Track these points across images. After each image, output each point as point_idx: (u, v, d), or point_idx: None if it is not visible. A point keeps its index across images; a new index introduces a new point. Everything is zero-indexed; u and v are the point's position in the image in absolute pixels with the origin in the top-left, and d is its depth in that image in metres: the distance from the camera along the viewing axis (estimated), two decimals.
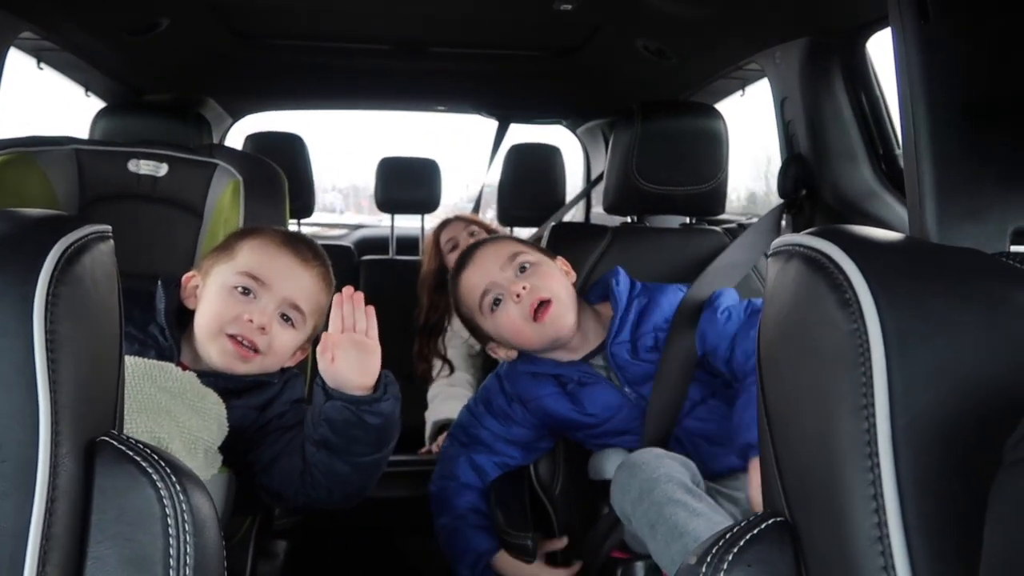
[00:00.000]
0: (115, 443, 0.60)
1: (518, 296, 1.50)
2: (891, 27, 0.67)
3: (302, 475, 1.30)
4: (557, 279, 1.55)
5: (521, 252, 1.55)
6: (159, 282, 1.39)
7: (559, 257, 1.62)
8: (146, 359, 1.24)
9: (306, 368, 1.62)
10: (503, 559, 1.52)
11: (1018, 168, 0.63)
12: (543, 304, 1.50)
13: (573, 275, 1.61)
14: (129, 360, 1.18)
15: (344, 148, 3.02)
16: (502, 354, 1.60)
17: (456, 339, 2.44)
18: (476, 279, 1.55)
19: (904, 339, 0.50)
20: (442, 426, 2.19)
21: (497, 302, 1.53)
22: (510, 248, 1.56)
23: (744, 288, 1.80)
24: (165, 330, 1.34)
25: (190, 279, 1.40)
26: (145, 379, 1.15)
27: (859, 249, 0.55)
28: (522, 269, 1.53)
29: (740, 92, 2.34)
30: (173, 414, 1.14)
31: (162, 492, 0.58)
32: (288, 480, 1.31)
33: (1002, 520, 0.44)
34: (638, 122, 1.76)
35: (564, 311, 1.51)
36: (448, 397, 2.29)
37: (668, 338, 1.53)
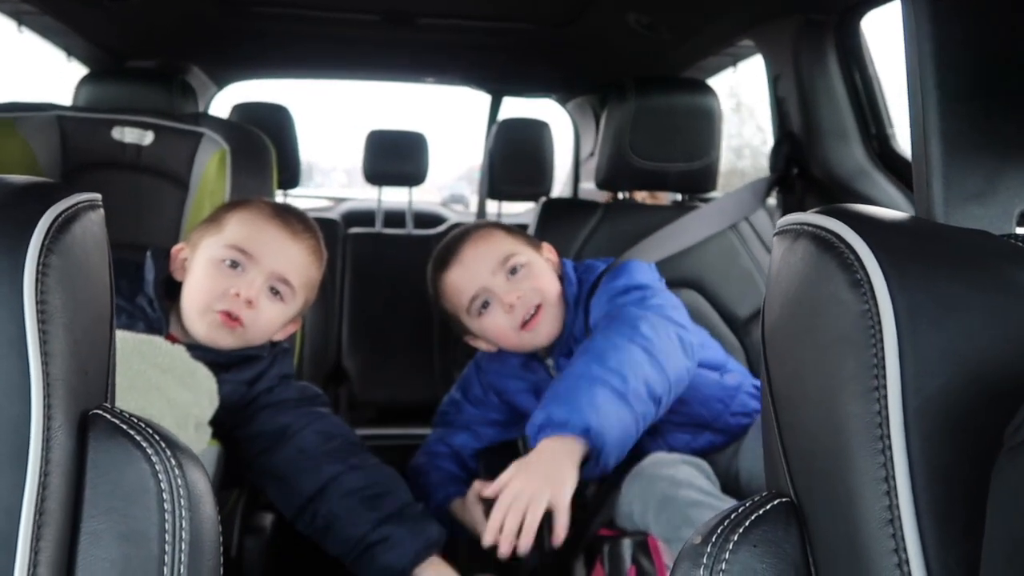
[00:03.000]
0: (108, 416, 0.59)
1: (511, 306, 1.46)
2: (901, 1, 0.66)
3: (310, 501, 1.29)
4: (547, 280, 1.51)
5: (513, 254, 1.50)
6: (148, 253, 1.37)
7: (544, 244, 1.59)
8: (135, 333, 1.22)
9: (295, 342, 1.61)
10: (458, 504, 1.50)
11: None
12: (535, 311, 1.48)
13: (557, 261, 1.58)
14: (118, 335, 1.17)
15: (350, 129, 3.00)
16: (483, 346, 1.58)
17: None
18: (465, 282, 1.51)
19: (916, 321, 0.50)
20: None
21: (486, 305, 1.50)
22: (502, 249, 1.51)
23: (733, 266, 1.80)
24: (154, 301, 1.32)
25: (179, 251, 1.38)
26: (134, 354, 1.14)
27: (870, 229, 0.54)
28: (512, 271, 1.49)
29: (732, 68, 2.33)
30: (163, 390, 1.12)
31: (157, 467, 0.57)
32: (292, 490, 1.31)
33: (1001, 503, 0.44)
34: (632, 97, 1.74)
35: (552, 318, 1.50)
36: None
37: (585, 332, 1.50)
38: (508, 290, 1.47)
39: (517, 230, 1.60)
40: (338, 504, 1.27)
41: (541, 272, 1.52)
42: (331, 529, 1.27)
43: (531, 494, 1.20)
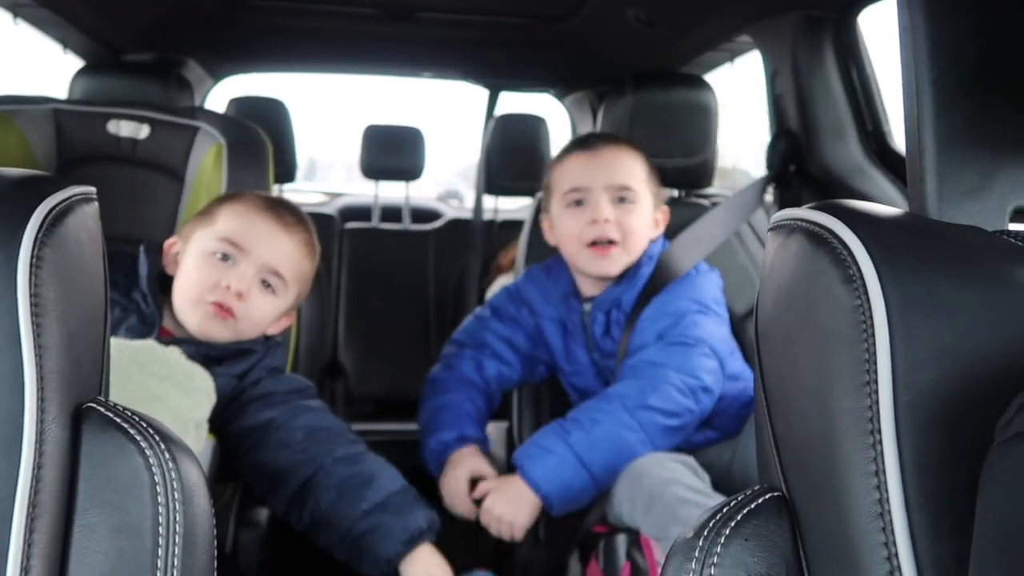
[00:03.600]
0: (102, 409, 0.59)
1: (595, 222, 1.48)
2: None
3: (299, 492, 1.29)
4: (640, 229, 1.52)
5: (634, 190, 1.51)
6: (141, 248, 1.37)
7: (665, 208, 1.59)
8: (130, 341, 1.21)
9: (289, 337, 1.60)
10: (464, 454, 1.51)
11: (1019, 146, 0.63)
12: (609, 243, 1.50)
13: (661, 229, 1.58)
14: (114, 343, 1.16)
15: (350, 125, 3.00)
16: (548, 235, 1.60)
17: None
18: (580, 173, 1.52)
19: (908, 316, 0.50)
20: None
21: (578, 203, 1.51)
22: (629, 178, 1.51)
23: (730, 263, 1.80)
24: (147, 296, 1.32)
25: (172, 245, 1.38)
26: (132, 365, 1.13)
27: (863, 224, 0.54)
28: (621, 199, 1.50)
29: (729, 63, 2.33)
30: (165, 400, 1.12)
31: (151, 460, 0.57)
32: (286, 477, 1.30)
33: (991, 497, 0.44)
34: (630, 92, 1.74)
35: (616, 262, 1.51)
36: None
37: (629, 318, 1.52)
38: (606, 207, 1.49)
39: (656, 174, 1.60)
40: (323, 498, 1.26)
41: (641, 220, 1.53)
42: (318, 523, 1.26)
43: (508, 519, 1.41)
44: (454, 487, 1.48)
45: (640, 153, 1.58)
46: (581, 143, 1.57)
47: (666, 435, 1.40)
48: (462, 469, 1.49)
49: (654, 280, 1.54)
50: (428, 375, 1.65)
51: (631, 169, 1.53)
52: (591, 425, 1.37)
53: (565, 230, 1.54)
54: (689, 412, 1.42)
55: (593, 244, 1.50)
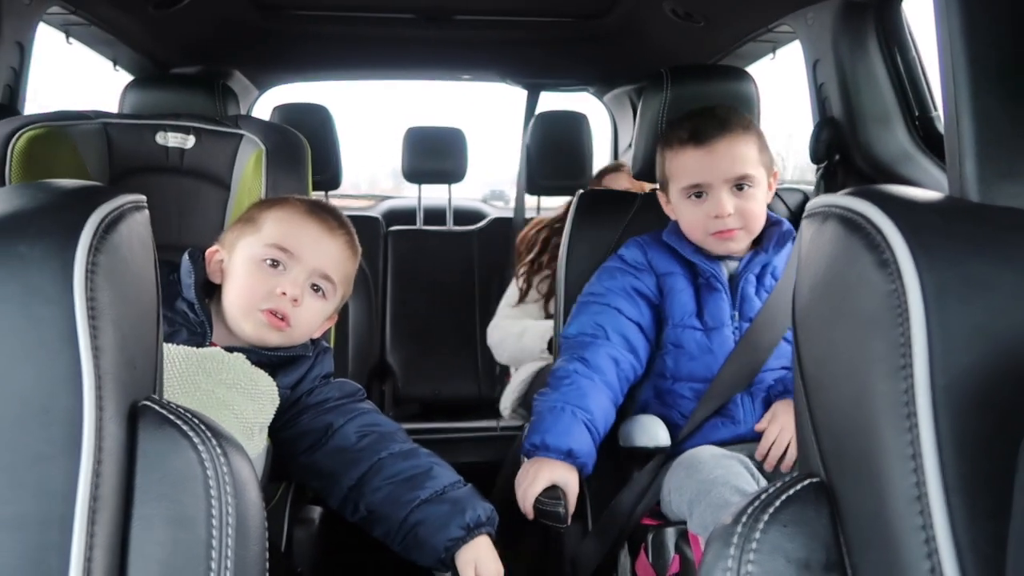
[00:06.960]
0: (156, 407, 0.61)
1: (717, 216, 1.49)
2: None
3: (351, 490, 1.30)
4: (760, 207, 1.52)
5: (752, 176, 1.50)
6: (186, 255, 1.37)
7: (775, 172, 1.57)
8: (197, 350, 1.22)
9: (329, 339, 1.63)
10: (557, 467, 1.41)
11: None
12: (730, 230, 1.50)
13: (772, 192, 1.57)
14: (180, 351, 1.18)
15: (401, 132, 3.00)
16: (668, 210, 1.60)
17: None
18: (698, 169, 1.50)
19: (943, 299, 0.50)
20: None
21: (699, 195, 1.51)
22: (746, 166, 1.49)
23: None
24: (195, 305, 1.32)
25: (214, 253, 1.38)
26: (199, 372, 1.15)
27: (897, 209, 0.54)
28: (740, 187, 1.50)
29: (771, 55, 2.30)
30: (232, 406, 1.14)
31: (203, 455, 0.60)
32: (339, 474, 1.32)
33: None
34: (667, 87, 1.74)
35: (742, 240, 1.52)
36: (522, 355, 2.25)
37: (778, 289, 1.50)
38: (727, 201, 1.49)
39: (765, 143, 1.57)
40: (377, 492, 1.27)
41: (759, 201, 1.53)
42: (374, 514, 1.28)
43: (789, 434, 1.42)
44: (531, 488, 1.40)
45: (751, 131, 1.55)
46: (691, 137, 1.52)
47: None
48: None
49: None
50: (550, 375, 1.53)
51: (746, 156, 1.51)
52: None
53: (688, 217, 1.54)
54: None
55: (717, 232, 1.51)
